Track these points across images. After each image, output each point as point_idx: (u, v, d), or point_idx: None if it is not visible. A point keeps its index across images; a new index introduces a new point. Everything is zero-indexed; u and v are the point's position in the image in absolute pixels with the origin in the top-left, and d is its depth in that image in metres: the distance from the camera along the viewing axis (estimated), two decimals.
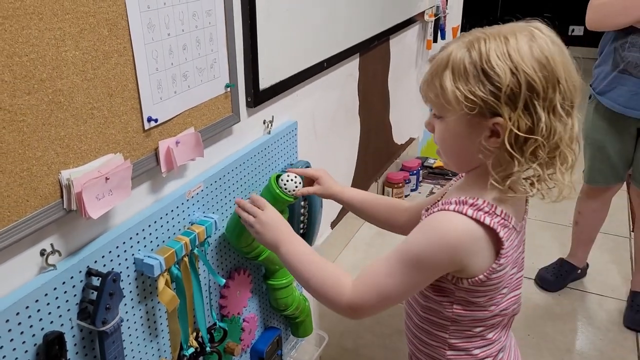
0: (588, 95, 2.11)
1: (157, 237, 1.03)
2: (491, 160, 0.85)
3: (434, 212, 0.90)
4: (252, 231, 1.08)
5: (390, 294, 0.90)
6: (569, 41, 5.81)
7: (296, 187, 1.19)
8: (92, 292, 0.88)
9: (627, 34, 1.88)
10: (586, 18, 1.94)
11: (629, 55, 1.89)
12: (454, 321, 0.95)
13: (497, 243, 0.87)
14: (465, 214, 0.85)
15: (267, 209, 1.08)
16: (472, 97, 0.81)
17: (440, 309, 0.95)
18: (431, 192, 2.39)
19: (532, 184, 0.87)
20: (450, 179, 1.09)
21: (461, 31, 3.05)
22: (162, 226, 1.04)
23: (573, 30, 5.82)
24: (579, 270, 2.39)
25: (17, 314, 0.78)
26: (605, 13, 1.88)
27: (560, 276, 2.35)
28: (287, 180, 1.19)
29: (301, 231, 1.47)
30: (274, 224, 1.06)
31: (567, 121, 0.83)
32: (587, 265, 2.43)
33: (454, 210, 0.86)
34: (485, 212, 0.85)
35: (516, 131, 0.80)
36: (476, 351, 0.98)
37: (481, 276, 0.88)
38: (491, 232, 0.86)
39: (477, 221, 0.85)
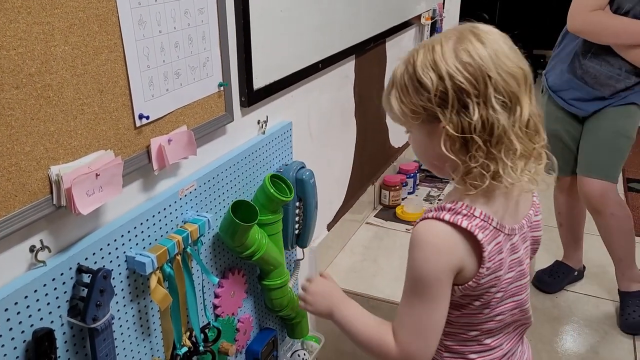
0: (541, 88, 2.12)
1: (149, 235, 1.03)
2: (449, 163, 0.86)
3: (417, 222, 0.90)
4: (306, 305, 1.08)
5: (428, 326, 0.89)
6: None
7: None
8: (83, 289, 0.88)
9: (593, 44, 1.89)
10: (573, 22, 1.89)
11: (589, 66, 1.91)
12: (448, 323, 0.94)
13: (479, 246, 0.86)
14: (443, 220, 0.86)
15: (314, 280, 1.09)
16: (414, 107, 0.86)
17: None
18: (428, 195, 2.39)
19: (486, 178, 0.85)
20: (447, 182, 1.10)
21: None
22: (154, 224, 1.03)
23: None
24: (576, 272, 2.39)
25: (6, 310, 0.78)
26: (600, 30, 1.87)
27: (557, 277, 2.36)
28: None
29: (296, 232, 1.46)
30: (324, 292, 1.05)
31: (511, 110, 0.83)
32: (584, 267, 2.43)
33: (432, 217, 0.87)
34: (464, 215, 0.86)
35: (452, 131, 0.82)
36: (472, 356, 0.97)
37: (471, 282, 0.88)
38: (470, 235, 0.86)
39: (455, 225, 0.85)
